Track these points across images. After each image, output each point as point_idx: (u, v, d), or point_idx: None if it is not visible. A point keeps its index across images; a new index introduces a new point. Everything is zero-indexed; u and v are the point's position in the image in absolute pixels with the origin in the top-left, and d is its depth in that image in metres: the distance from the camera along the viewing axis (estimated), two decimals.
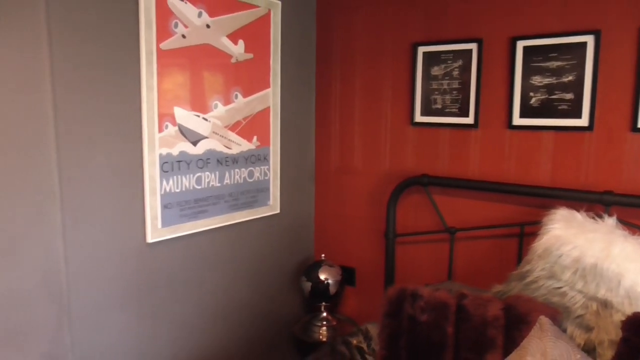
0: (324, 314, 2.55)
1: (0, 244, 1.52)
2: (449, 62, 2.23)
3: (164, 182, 1.96)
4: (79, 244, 1.72)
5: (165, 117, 1.94)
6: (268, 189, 2.44)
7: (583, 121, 1.96)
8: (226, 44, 2.14)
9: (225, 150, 2.20)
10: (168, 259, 2.02)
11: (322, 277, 2.49)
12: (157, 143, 1.92)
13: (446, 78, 2.25)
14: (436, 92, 2.28)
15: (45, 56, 1.57)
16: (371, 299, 2.61)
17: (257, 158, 2.36)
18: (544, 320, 1.41)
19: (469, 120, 2.21)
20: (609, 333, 1.60)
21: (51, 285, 1.65)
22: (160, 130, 1.93)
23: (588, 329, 1.65)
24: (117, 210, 1.83)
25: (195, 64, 2.03)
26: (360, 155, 2.57)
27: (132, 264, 1.89)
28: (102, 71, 1.73)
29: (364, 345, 1.99)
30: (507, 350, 1.43)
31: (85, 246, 1.74)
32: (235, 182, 2.26)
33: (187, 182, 2.05)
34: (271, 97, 2.38)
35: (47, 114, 1.60)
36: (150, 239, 1.92)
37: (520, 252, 2.09)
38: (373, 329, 2.02)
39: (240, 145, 2.27)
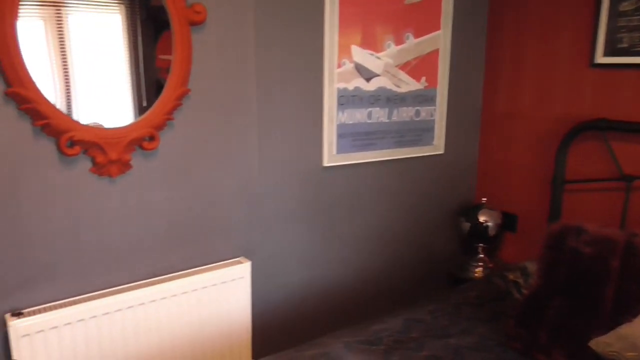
0: (481, 255, 2.61)
1: (218, 156, 1.88)
2: None
3: (340, 114, 2.19)
4: (269, 161, 2.04)
5: (343, 54, 2.14)
6: (433, 129, 2.54)
7: None
8: None
9: (395, 89, 2.34)
10: (340, 183, 2.27)
11: (482, 219, 2.54)
12: (335, 78, 2.14)
13: (637, 14, 2.08)
14: (623, 30, 2.13)
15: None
16: (532, 247, 2.59)
17: (425, 98, 2.47)
18: None
19: None
20: None
21: (248, 191, 1.99)
22: (339, 66, 2.14)
23: None
24: (300, 135, 2.11)
25: (371, 6, 2.18)
26: (529, 99, 2.51)
27: (309, 183, 2.17)
28: (293, 12, 1.98)
29: (521, 281, 2.03)
30: None
31: (273, 163, 2.05)
32: (402, 119, 2.41)
33: (359, 115, 2.25)
34: (441, 38, 2.45)
35: (250, 50, 1.89)
36: (326, 162, 2.18)
37: None
38: (532, 266, 2.05)
39: (409, 84, 2.39)
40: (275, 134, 2.04)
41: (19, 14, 1.39)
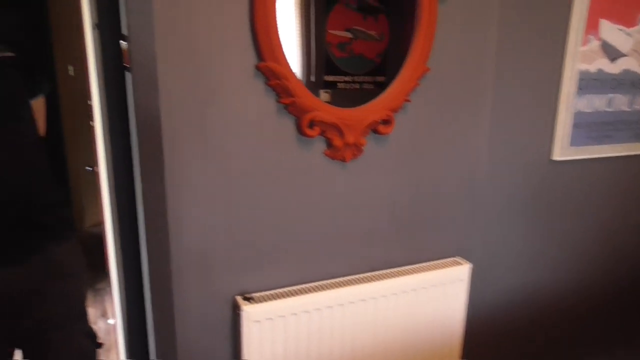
0: None
1: (447, 144, 1.67)
2: None
3: (577, 100, 1.87)
4: (495, 152, 1.79)
5: (591, 30, 1.82)
6: None
7: None
8: None
9: None
10: (568, 179, 1.96)
11: None
12: (578, 57, 1.82)
13: None
14: None
15: None
16: None
17: None
18: None
19: None
20: None
21: (472, 185, 1.77)
22: (584, 44, 1.82)
23: None
24: (530, 124, 1.84)
25: None
26: None
27: (535, 177, 1.90)
28: None
29: None
30: None
31: (499, 155, 1.81)
32: None
33: (599, 102, 1.92)
34: None
35: (492, 27, 1.64)
36: (556, 156, 1.89)
37: None
38: None
39: None
40: (504, 123, 1.78)
41: None
